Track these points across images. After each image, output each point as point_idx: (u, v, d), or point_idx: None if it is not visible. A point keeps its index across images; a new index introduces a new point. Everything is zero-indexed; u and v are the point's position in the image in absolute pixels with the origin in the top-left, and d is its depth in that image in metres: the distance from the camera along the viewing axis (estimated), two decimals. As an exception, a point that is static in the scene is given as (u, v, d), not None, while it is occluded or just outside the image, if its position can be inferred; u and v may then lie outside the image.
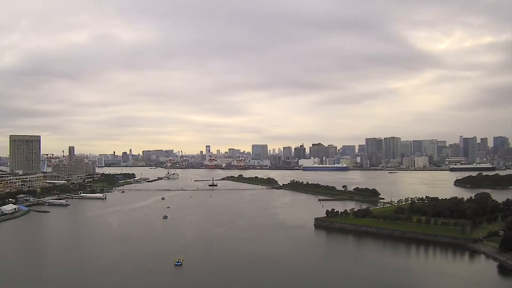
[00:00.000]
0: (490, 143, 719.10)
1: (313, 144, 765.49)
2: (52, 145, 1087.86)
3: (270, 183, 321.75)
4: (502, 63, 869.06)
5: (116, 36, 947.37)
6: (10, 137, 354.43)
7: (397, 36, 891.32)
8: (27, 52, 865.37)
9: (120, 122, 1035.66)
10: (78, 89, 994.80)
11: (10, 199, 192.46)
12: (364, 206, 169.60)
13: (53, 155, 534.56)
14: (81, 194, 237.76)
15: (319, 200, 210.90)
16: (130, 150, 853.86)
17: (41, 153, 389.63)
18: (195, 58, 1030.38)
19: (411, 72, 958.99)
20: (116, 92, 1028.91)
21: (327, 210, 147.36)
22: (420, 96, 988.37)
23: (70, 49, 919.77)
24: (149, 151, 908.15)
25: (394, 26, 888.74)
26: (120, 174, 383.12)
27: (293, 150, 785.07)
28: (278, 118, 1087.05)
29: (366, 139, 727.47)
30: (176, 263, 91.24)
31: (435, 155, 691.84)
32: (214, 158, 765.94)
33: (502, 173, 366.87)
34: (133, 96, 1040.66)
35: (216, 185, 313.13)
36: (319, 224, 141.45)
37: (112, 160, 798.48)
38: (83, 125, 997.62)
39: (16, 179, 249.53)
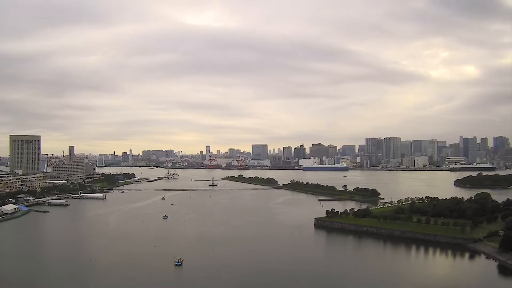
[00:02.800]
0: (490, 143, 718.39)
1: (313, 144, 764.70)
2: (60, 145, 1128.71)
3: (270, 183, 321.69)
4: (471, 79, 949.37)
5: (133, 61, 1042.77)
6: (10, 137, 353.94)
7: (368, 61, 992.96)
8: (56, 68, 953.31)
9: (127, 124, 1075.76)
10: (96, 97, 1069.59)
11: (10, 199, 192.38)
12: (364, 206, 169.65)
13: (53, 155, 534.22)
14: (81, 194, 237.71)
15: (319, 200, 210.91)
16: (130, 150, 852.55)
17: (41, 153, 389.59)
18: (198, 76, 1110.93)
19: (390, 87, 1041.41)
20: (128, 100, 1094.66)
21: (327, 210, 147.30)
22: (409, 98, 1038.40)
23: (92, 68, 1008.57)
24: (149, 151, 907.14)
25: (364, 54, 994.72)
26: (120, 174, 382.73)
27: (293, 150, 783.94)
28: (278, 119, 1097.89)
29: (366, 139, 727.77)
30: (176, 263, 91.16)
31: (435, 155, 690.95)
32: (214, 158, 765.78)
33: (502, 173, 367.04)
34: (143, 104, 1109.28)
35: (216, 185, 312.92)
36: (319, 224, 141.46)
37: (112, 160, 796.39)
38: (93, 126, 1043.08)
39: (16, 179, 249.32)
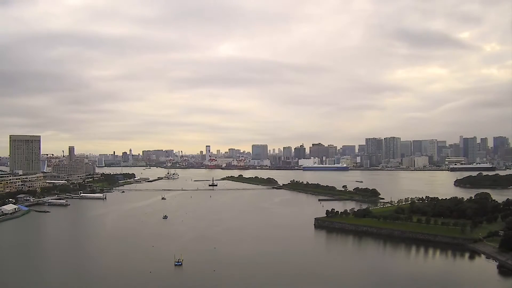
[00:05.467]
0: (490, 143, 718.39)
1: (313, 144, 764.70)
2: (68, 145, 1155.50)
3: (270, 183, 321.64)
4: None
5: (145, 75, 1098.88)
6: (10, 137, 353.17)
7: (357, 75, 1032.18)
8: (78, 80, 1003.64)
9: (131, 126, 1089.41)
10: (108, 103, 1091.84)
11: (10, 199, 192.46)
12: (364, 206, 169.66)
13: (53, 155, 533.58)
14: (81, 194, 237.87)
15: (319, 200, 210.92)
16: (130, 150, 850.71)
17: (41, 153, 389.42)
18: (201, 88, 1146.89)
19: (379, 95, 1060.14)
20: (135, 106, 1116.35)
21: (327, 210, 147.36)
22: (402, 103, 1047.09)
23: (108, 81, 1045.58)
24: (149, 151, 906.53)
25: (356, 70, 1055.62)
26: (120, 174, 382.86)
27: (293, 150, 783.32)
28: (278, 120, 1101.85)
29: (366, 139, 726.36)
30: (176, 263, 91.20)
31: (435, 155, 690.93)
32: (214, 158, 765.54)
33: (502, 173, 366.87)
34: (149, 109, 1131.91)
35: (216, 185, 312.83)
36: (319, 224, 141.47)
37: (112, 160, 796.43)
38: (99, 128, 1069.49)
39: (16, 179, 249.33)
